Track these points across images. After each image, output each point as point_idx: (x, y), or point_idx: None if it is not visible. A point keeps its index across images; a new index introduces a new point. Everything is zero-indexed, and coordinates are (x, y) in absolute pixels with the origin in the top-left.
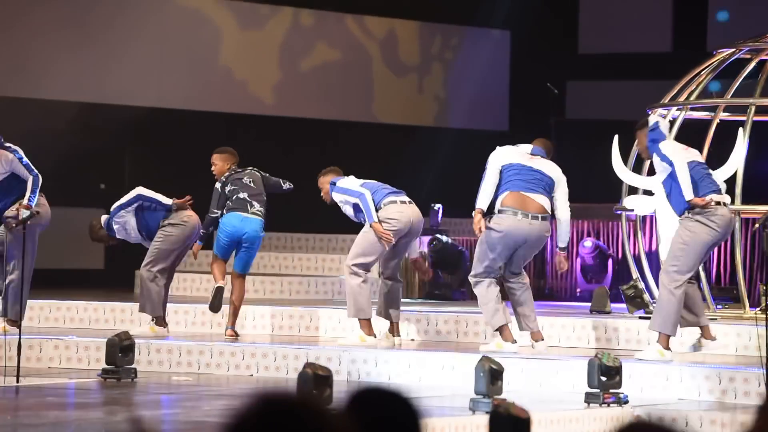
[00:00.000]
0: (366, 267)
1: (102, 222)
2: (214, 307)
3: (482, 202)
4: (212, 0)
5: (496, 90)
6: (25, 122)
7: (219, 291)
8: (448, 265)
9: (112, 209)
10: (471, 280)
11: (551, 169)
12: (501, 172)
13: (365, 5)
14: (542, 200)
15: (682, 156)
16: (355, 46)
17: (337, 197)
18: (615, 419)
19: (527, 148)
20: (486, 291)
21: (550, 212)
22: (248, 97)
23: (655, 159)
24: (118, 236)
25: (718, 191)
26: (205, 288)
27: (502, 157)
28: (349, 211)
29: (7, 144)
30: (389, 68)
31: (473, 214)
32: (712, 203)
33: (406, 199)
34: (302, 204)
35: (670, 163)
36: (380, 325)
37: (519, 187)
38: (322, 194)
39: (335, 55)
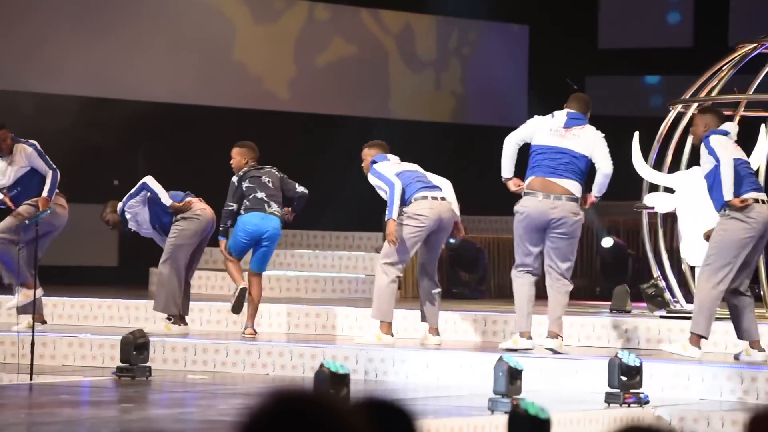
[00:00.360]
0: (396, 265)
1: (118, 209)
2: (237, 308)
3: (506, 171)
4: None
5: (514, 85)
6: (37, 117)
7: (243, 292)
8: (466, 263)
9: (121, 204)
10: (512, 273)
11: (584, 144)
12: (531, 153)
13: None
14: (569, 184)
15: (729, 153)
16: (371, 40)
17: (371, 179)
18: (635, 419)
19: (561, 118)
20: (517, 289)
21: (579, 195)
22: (263, 92)
23: (702, 150)
24: (131, 227)
25: (759, 189)
26: (221, 286)
27: (531, 131)
28: (383, 195)
29: (23, 139)
30: (406, 63)
31: (508, 184)
32: (750, 201)
33: (439, 194)
34: (318, 201)
35: (717, 159)
36: (400, 324)
37: (545, 172)
38: (363, 165)
39: (351, 50)
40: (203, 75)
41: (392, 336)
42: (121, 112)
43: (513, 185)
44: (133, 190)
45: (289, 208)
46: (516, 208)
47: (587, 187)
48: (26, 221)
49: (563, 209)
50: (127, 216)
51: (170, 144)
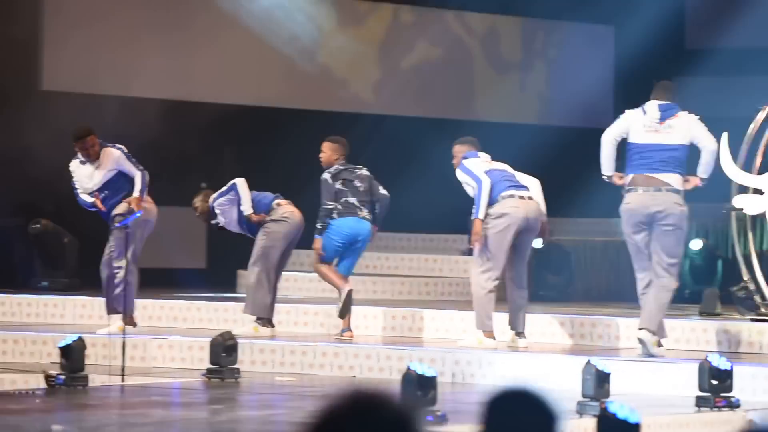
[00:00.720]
0: (491, 274)
1: (209, 202)
2: (345, 311)
3: (607, 168)
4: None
5: (599, 87)
6: (121, 121)
7: (350, 295)
8: (553, 266)
9: (213, 197)
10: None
11: (680, 133)
12: (627, 151)
13: (466, 1)
14: (669, 177)
15: None
16: (456, 43)
17: (460, 176)
18: (727, 423)
19: (654, 112)
20: (640, 295)
21: (680, 188)
22: (347, 95)
23: None
24: (217, 221)
25: None
26: (307, 288)
27: (626, 126)
28: (470, 191)
29: (109, 143)
30: (491, 65)
31: (611, 180)
32: None
33: (526, 194)
34: (403, 204)
35: None
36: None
37: (644, 169)
38: (453, 161)
39: (436, 53)
40: (287, 78)
41: (494, 339)
42: (205, 115)
43: (617, 180)
44: (223, 189)
45: (374, 226)
46: (620, 208)
47: (692, 172)
48: (117, 224)
49: (665, 201)
50: (216, 212)
51: (254, 147)
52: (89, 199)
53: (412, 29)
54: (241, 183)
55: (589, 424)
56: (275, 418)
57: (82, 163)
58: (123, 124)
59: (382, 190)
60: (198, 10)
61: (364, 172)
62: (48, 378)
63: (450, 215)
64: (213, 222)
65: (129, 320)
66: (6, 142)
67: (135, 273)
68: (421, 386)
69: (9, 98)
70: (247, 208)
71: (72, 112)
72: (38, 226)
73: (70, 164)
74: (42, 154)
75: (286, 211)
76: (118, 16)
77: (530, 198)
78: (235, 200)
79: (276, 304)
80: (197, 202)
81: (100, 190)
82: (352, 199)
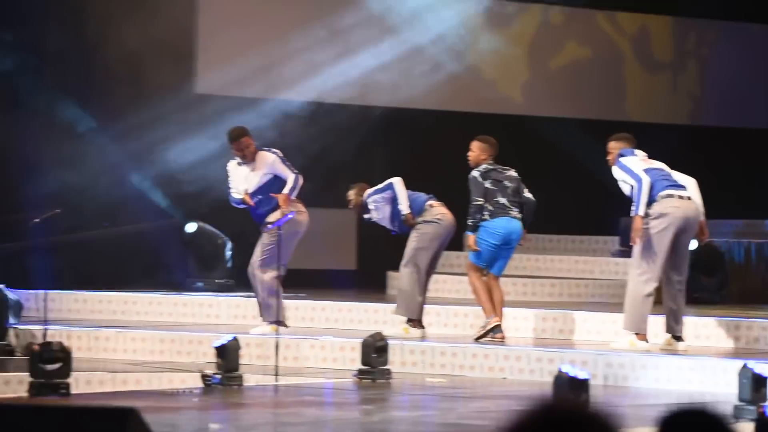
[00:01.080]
0: (649, 276)
1: (363, 197)
2: (480, 338)
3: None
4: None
5: (754, 86)
6: (276, 123)
7: (494, 329)
8: (708, 267)
9: (368, 192)
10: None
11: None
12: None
13: (617, 1)
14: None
15: None
16: (607, 43)
17: (616, 173)
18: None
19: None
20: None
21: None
22: (496, 96)
23: None
24: (369, 216)
25: None
26: (457, 290)
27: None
28: (626, 189)
29: (265, 147)
30: (642, 65)
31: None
32: None
33: (685, 194)
34: (553, 205)
35: None
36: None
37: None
38: (608, 158)
39: (585, 53)
40: (437, 79)
41: (647, 342)
42: (356, 117)
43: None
44: (380, 186)
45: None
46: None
47: None
48: (269, 225)
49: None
50: (370, 207)
51: (404, 149)
52: (239, 196)
53: (562, 29)
54: (398, 182)
55: (747, 428)
56: (426, 419)
57: (240, 164)
58: (274, 127)
59: (528, 194)
60: (346, 12)
61: (513, 173)
62: (204, 377)
63: (600, 217)
64: (365, 216)
65: (280, 321)
66: (161, 145)
67: (273, 278)
68: (573, 389)
69: (164, 102)
70: (404, 208)
71: (224, 114)
72: (193, 227)
73: (228, 164)
74: (195, 157)
75: (438, 213)
76: (267, 19)
77: (689, 198)
78: (389, 198)
79: (426, 306)
80: (351, 194)
81: (254, 193)
82: (502, 199)
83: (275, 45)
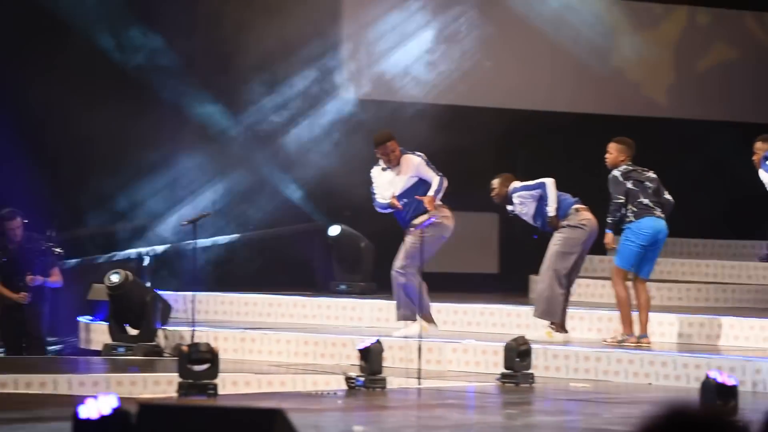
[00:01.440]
0: None
1: (509, 189)
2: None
3: None
4: (606, 1)
5: None
6: (421, 127)
7: (621, 344)
8: None
9: (515, 186)
10: None
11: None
12: None
13: (766, 2)
14: None
15: None
16: (755, 44)
17: (763, 176)
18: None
19: None
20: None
21: None
22: (641, 99)
23: None
24: (512, 209)
25: None
26: (600, 294)
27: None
28: None
29: (409, 150)
30: None
31: None
32: None
33: None
34: (698, 209)
35: None
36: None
37: None
38: (753, 158)
39: (734, 55)
40: (581, 82)
41: None
42: (497, 120)
43: None
44: (530, 183)
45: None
46: None
47: None
48: (414, 227)
49: None
50: (515, 201)
51: (547, 152)
52: (385, 201)
53: (709, 31)
54: (550, 184)
55: None
56: (570, 424)
57: (384, 170)
58: (414, 130)
59: (667, 195)
60: (489, 13)
61: (652, 174)
62: (348, 380)
63: (747, 220)
64: (508, 208)
65: (425, 321)
66: (303, 149)
67: (415, 280)
68: (720, 395)
69: (315, 105)
70: (552, 210)
71: (376, 119)
72: (336, 230)
73: (371, 170)
74: (337, 160)
75: (584, 217)
76: (406, 23)
77: None
78: (537, 196)
79: (570, 310)
80: (495, 183)
81: (399, 197)
82: (645, 200)
83: (415, 49)
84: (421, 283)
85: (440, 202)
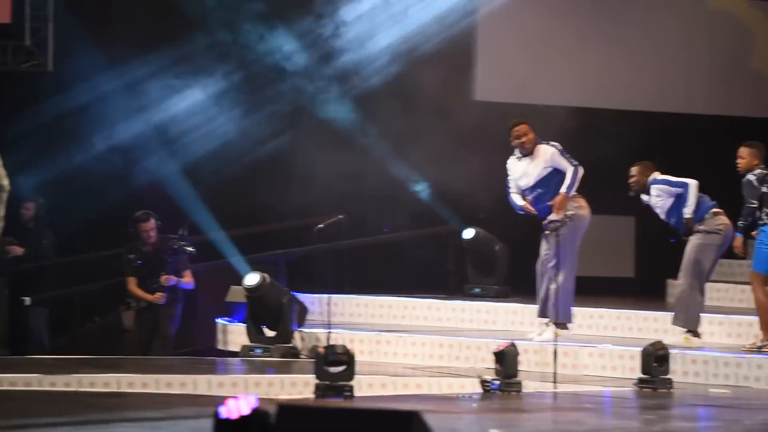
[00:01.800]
0: None
1: (647, 181)
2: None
3: None
4: (744, 2)
5: None
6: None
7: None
8: None
9: (656, 177)
10: None
11: None
12: None
13: None
14: None
15: None
16: None
17: (648, 199)
18: None
19: None
20: None
21: None
22: None
23: None
24: (647, 200)
25: None
26: (739, 299)
27: None
28: None
29: (545, 141)
30: None
31: None
32: None
33: None
34: None
35: None
36: None
37: None
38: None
39: None
40: (717, 84)
41: None
42: (632, 123)
43: None
44: (672, 179)
45: None
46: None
47: None
48: (547, 223)
49: None
50: (651, 192)
51: (684, 155)
52: (520, 203)
53: None
54: (693, 186)
55: None
56: (710, 430)
57: (519, 159)
58: (547, 132)
59: None
60: (620, 18)
61: None
62: (483, 383)
63: None
64: (643, 198)
65: (560, 326)
66: (435, 155)
67: (571, 280)
68: None
69: (446, 109)
70: (689, 213)
71: (501, 121)
72: (470, 233)
73: (507, 161)
74: (470, 165)
75: (720, 222)
76: (543, 27)
77: None
78: (675, 193)
79: (709, 315)
80: (635, 171)
81: (533, 187)
82: None
83: (551, 53)
84: (558, 288)
85: (575, 192)
